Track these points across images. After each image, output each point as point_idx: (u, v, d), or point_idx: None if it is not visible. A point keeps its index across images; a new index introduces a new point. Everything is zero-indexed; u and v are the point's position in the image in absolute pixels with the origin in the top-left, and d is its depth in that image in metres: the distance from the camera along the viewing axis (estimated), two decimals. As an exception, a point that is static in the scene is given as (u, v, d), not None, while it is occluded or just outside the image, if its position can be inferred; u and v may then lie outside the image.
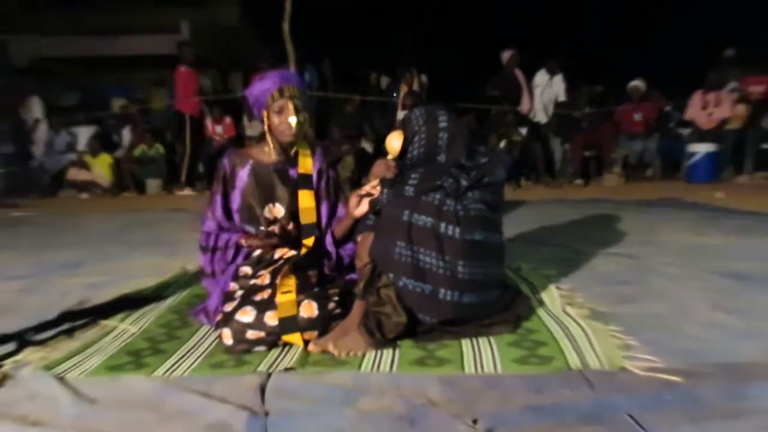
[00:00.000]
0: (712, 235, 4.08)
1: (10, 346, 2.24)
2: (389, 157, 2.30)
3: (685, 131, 8.66)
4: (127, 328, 2.39)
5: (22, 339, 2.28)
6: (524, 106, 8.77)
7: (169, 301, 2.78)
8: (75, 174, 7.76)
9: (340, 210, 2.50)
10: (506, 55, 8.88)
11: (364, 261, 2.22)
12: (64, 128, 8.54)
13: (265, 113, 2.40)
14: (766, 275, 2.97)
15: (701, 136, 8.21)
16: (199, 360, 2.05)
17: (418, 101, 8.49)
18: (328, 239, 2.46)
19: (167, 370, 1.97)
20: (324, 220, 2.48)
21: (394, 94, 8.88)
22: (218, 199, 2.45)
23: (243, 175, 2.43)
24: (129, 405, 1.75)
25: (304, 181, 2.46)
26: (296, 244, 2.40)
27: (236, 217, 2.45)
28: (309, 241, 2.39)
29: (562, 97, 8.75)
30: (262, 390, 1.80)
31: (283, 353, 2.09)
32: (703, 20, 13.88)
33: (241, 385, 1.85)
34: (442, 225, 2.12)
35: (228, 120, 8.29)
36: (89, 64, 15.22)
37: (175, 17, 15.21)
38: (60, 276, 3.38)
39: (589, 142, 8.35)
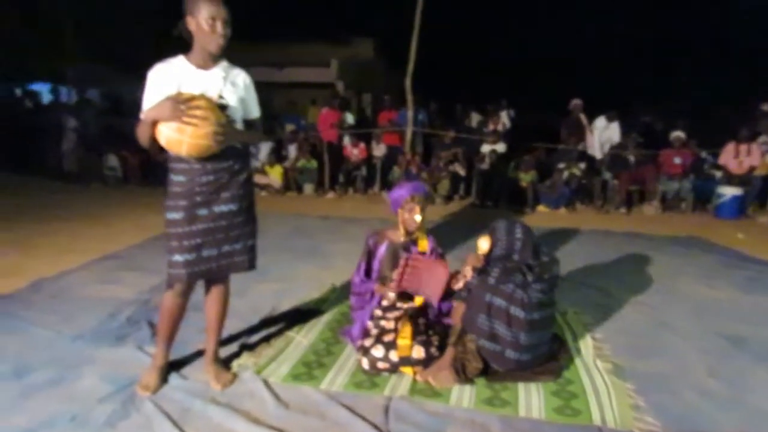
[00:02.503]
0: (722, 288, 3.94)
1: (234, 347, 2.72)
2: (479, 252, 2.54)
3: (717, 173, 8.08)
4: (301, 340, 2.81)
5: (242, 344, 2.74)
6: (586, 144, 8.59)
7: (326, 317, 3.13)
8: (257, 178, 8.42)
9: (443, 276, 2.77)
10: (574, 103, 8.69)
11: (456, 321, 2.50)
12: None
13: (399, 210, 2.71)
14: (758, 341, 2.93)
15: (730, 179, 7.67)
16: (347, 378, 2.41)
17: (497, 139, 8.51)
18: (433, 297, 2.74)
19: (329, 383, 2.35)
20: (431, 283, 2.76)
21: (484, 129, 8.92)
22: (363, 264, 2.79)
23: (382, 249, 2.76)
24: (307, 411, 2.14)
25: (422, 256, 2.75)
26: (410, 298, 2.71)
27: (374, 276, 2.78)
28: (421, 298, 2.69)
29: (616, 140, 8.44)
30: (386, 410, 2.15)
31: (400, 379, 2.41)
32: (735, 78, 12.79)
33: (374, 404, 2.19)
34: (512, 308, 2.35)
35: (362, 145, 8.69)
36: (265, 87, 16.22)
37: (327, 54, 15.85)
38: (256, 281, 3.66)
39: (634, 178, 8.01)
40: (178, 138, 1.97)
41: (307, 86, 15.46)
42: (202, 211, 2.14)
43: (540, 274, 2.41)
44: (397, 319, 2.60)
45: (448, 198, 8.01)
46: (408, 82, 7.97)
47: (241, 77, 2.24)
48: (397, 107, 9.33)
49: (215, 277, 2.27)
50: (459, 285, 2.54)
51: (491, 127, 8.86)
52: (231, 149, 2.15)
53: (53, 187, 7.96)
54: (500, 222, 2.53)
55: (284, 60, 16.04)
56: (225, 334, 2.80)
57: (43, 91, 13.83)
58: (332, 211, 7.01)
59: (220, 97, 2.13)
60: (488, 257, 2.51)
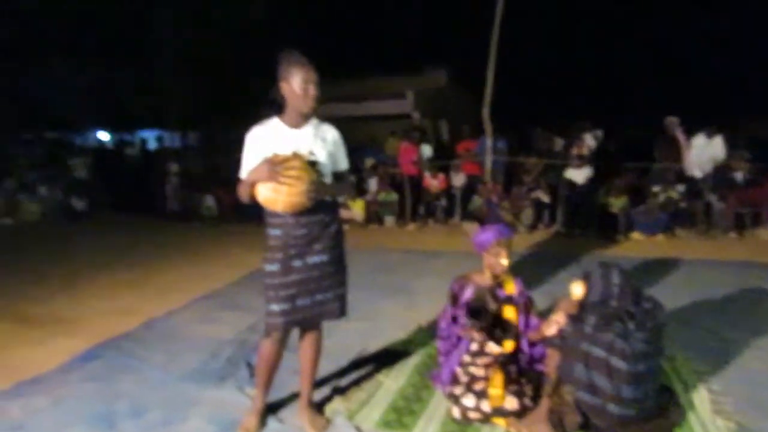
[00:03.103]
0: None
1: (325, 389, 2.80)
2: (573, 298, 2.44)
3: None
4: (390, 384, 2.83)
5: (334, 387, 2.81)
6: (684, 164, 8.01)
7: (413, 359, 3.13)
8: (341, 213, 8.72)
9: (532, 320, 2.69)
10: (668, 120, 8.18)
11: (551, 368, 2.40)
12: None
13: (485, 253, 2.68)
14: None
15: None
16: (438, 427, 2.39)
17: (583, 164, 8.15)
18: (524, 342, 2.67)
19: (419, 432, 2.35)
20: (522, 328, 2.69)
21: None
22: (449, 309, 2.78)
23: (468, 293, 2.74)
24: (400, 462, 2.15)
25: (508, 299, 2.69)
26: (499, 342, 2.65)
27: (461, 320, 2.76)
28: (510, 344, 2.62)
29: (721, 157, 7.77)
30: (481, 465, 2.10)
31: (492, 430, 2.35)
32: None
33: (467, 457, 2.16)
34: (613, 359, 2.21)
35: (441, 176, 8.74)
36: (344, 120, 16.88)
37: (402, 85, 16.20)
38: (343, 320, 3.78)
39: (744, 200, 7.31)
40: (274, 197, 2.12)
41: (384, 118, 15.84)
42: (297, 263, 2.26)
43: (642, 322, 2.26)
44: (486, 366, 2.54)
45: (533, 227, 7.77)
46: (485, 112, 7.96)
47: (330, 133, 2.37)
48: (475, 136, 9.28)
49: (309, 324, 2.38)
50: (552, 331, 2.45)
51: (575, 151, 8.53)
52: (321, 203, 2.27)
53: (159, 227, 8.72)
54: (595, 267, 2.43)
55: (361, 94, 16.64)
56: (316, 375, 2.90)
57: (150, 137, 15.39)
58: (413, 243, 7.06)
59: (311, 153, 2.26)
60: (583, 303, 2.40)
